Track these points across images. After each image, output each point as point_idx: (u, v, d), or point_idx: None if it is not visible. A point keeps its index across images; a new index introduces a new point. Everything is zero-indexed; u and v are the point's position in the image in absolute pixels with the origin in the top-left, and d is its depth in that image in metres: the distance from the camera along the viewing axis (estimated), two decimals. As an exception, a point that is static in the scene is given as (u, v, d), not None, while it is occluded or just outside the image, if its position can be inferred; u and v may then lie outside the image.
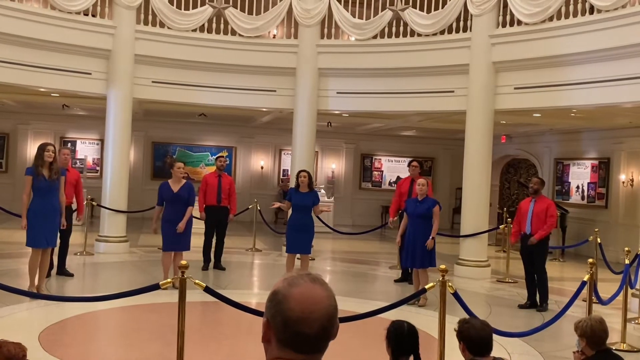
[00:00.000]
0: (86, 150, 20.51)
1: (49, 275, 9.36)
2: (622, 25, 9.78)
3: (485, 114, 11.79)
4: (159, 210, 9.55)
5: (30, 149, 18.93)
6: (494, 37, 11.65)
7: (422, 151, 22.06)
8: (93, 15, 12.56)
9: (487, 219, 12.27)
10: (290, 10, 13.22)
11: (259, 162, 21.63)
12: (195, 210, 11.63)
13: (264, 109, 15.09)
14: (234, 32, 13.26)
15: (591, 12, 10.37)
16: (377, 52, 12.96)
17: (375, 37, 12.97)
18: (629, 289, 7.98)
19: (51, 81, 12.19)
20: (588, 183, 16.60)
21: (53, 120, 19.82)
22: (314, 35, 13.28)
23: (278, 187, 21.21)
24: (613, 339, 7.12)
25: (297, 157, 13.36)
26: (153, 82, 13.01)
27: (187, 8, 13.02)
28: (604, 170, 16.07)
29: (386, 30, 12.86)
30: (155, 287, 5.68)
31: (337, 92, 13.42)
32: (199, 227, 11.66)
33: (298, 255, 9.96)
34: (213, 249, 11.52)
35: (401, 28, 12.78)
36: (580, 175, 16.91)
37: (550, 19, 10.95)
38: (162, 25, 12.92)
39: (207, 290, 5.60)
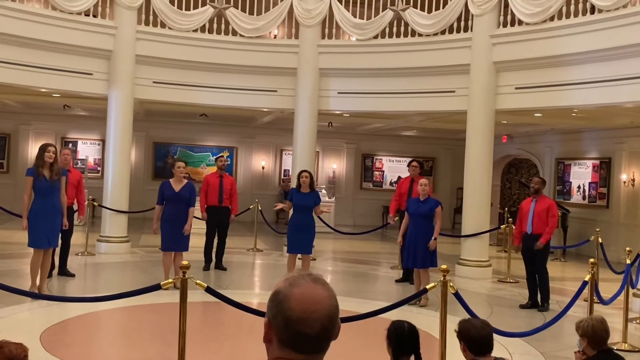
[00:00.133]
0: (87, 150, 20.53)
1: (50, 275, 9.37)
2: (623, 25, 9.78)
3: (486, 114, 11.79)
4: (160, 209, 9.52)
5: (32, 150, 18.94)
6: (494, 37, 11.65)
7: (423, 151, 22.06)
8: (94, 16, 12.57)
9: (488, 219, 12.27)
10: (291, 11, 13.22)
11: (260, 162, 21.64)
12: (197, 210, 11.65)
13: (265, 109, 15.09)
14: (234, 33, 13.26)
15: (592, 12, 10.37)
16: (378, 52, 12.96)
17: (376, 37, 12.97)
18: (630, 288, 7.97)
19: (52, 81, 12.20)
20: (589, 183, 16.60)
21: (54, 121, 19.83)
22: (315, 36, 13.29)
23: (279, 187, 21.22)
24: (614, 339, 7.11)
25: (298, 157, 13.36)
26: (154, 82, 13.01)
27: (188, 8, 13.02)
28: (605, 170, 16.06)
29: (387, 30, 12.85)
30: (157, 287, 5.69)
31: (338, 92, 13.43)
32: (200, 227, 11.68)
33: (299, 256, 9.96)
34: (214, 249, 11.52)
35: (402, 28, 12.78)
36: (582, 175, 16.90)
37: (551, 18, 10.94)
38: (163, 25, 12.93)
39: (209, 290, 5.60)
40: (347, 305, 7.97)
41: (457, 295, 5.88)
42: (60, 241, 9.27)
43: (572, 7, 10.64)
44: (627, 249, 8.33)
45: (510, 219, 12.84)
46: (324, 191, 18.76)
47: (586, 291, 6.93)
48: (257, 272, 12.56)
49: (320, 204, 10.01)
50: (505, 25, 11.65)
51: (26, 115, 19.44)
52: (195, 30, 13.08)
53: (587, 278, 6.78)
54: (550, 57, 10.93)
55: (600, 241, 10.92)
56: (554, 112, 12.86)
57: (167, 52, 12.88)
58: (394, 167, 22.05)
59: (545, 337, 7.25)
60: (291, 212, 10.00)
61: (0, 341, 3.28)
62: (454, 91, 12.31)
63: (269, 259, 13.35)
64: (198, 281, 5.47)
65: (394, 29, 12.81)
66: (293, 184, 11.34)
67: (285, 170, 21.27)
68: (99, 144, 20.17)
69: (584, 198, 16.75)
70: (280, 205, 10.27)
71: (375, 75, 13.03)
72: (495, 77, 11.74)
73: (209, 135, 21.12)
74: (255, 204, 15.01)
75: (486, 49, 11.69)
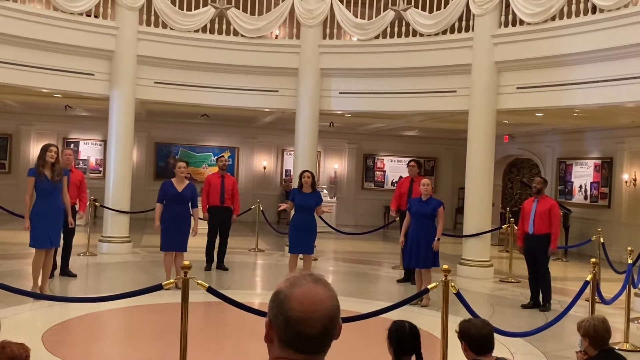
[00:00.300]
0: (89, 150, 20.55)
1: (52, 275, 9.39)
2: (624, 24, 9.78)
3: (488, 114, 11.79)
4: (161, 207, 9.51)
5: (33, 150, 18.96)
6: (496, 36, 11.64)
7: (424, 151, 22.07)
8: (95, 16, 12.57)
9: (490, 219, 12.26)
10: (292, 11, 13.23)
11: (262, 162, 21.64)
12: (199, 210, 11.65)
13: (267, 110, 15.10)
14: (236, 33, 13.27)
15: (593, 12, 10.37)
16: (379, 52, 12.96)
17: (377, 37, 12.97)
18: (631, 288, 7.97)
19: (54, 82, 12.21)
20: (591, 183, 16.59)
21: (56, 121, 19.85)
22: (316, 36, 13.29)
23: (281, 187, 21.23)
24: (616, 338, 7.11)
25: (299, 157, 13.37)
26: (155, 82, 13.03)
27: (189, 9, 13.03)
28: (606, 169, 16.06)
29: (388, 30, 12.86)
30: (158, 287, 5.69)
31: (340, 92, 13.43)
32: (202, 227, 11.68)
33: (301, 256, 9.97)
34: (216, 249, 11.52)
35: (403, 28, 12.77)
36: (583, 174, 16.89)
37: (553, 18, 10.94)
38: (164, 26, 12.94)
39: (210, 290, 5.60)
40: (349, 305, 7.97)
41: (458, 295, 5.88)
42: (62, 241, 9.28)
43: (574, 7, 10.64)
44: (629, 248, 8.32)
45: (511, 219, 12.83)
46: (325, 191, 18.76)
47: (588, 291, 6.92)
48: (259, 273, 12.56)
49: (322, 204, 10.02)
50: (506, 25, 11.65)
51: (28, 115, 19.47)
52: (197, 31, 13.09)
53: (588, 278, 6.78)
54: (552, 57, 10.93)
55: (602, 241, 10.91)
56: (555, 112, 12.86)
57: (168, 52, 12.89)
58: (395, 167, 22.05)
59: (546, 337, 7.25)
60: (293, 212, 10.00)
61: (2, 341, 3.29)
62: (455, 91, 12.31)
63: (270, 259, 13.36)
64: (199, 281, 5.48)
65: (395, 29, 12.81)
66: (294, 184, 11.34)
67: (286, 171, 21.28)
68: (100, 145, 20.19)
69: (585, 198, 16.74)
70: (284, 206, 10.27)
71: (377, 75, 13.03)
72: (496, 77, 11.74)
73: (210, 135, 21.13)
74: (257, 204, 15.02)
75: (487, 48, 11.69)
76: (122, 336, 7.75)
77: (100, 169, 19.90)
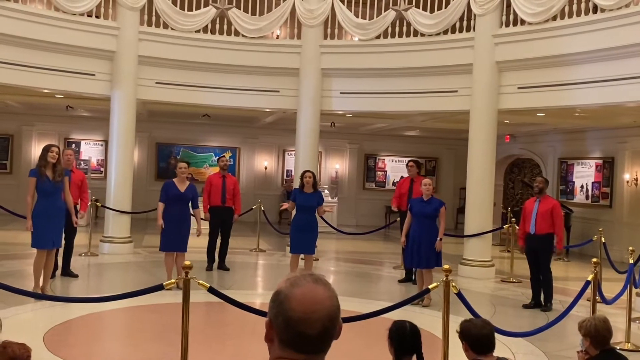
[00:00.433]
0: (90, 151, 20.55)
1: (53, 276, 9.40)
2: (625, 24, 9.78)
3: (489, 114, 11.79)
4: (163, 207, 9.52)
5: (35, 150, 18.98)
6: (497, 36, 11.64)
7: (425, 151, 22.07)
8: (97, 17, 12.58)
9: (491, 219, 12.25)
10: (293, 11, 13.23)
11: (263, 162, 21.65)
12: (200, 210, 11.65)
13: (268, 110, 15.10)
14: (237, 33, 13.27)
15: (594, 12, 10.36)
16: (380, 52, 12.96)
17: (378, 37, 12.97)
18: (633, 288, 7.96)
19: (55, 82, 12.22)
20: (592, 182, 16.58)
21: (57, 122, 19.86)
22: (317, 36, 13.29)
23: (282, 187, 21.23)
24: (617, 338, 7.12)
25: (300, 157, 13.37)
26: (157, 83, 13.03)
27: (190, 9, 13.04)
28: (608, 169, 16.05)
29: (389, 30, 12.85)
30: (159, 287, 5.69)
31: (341, 93, 13.43)
32: (203, 227, 11.68)
33: (302, 256, 9.97)
34: (217, 250, 11.53)
35: (404, 28, 12.77)
36: (585, 174, 16.88)
37: (554, 18, 10.94)
38: (165, 26, 12.95)
39: (211, 290, 5.60)
40: (350, 305, 7.98)
41: (459, 295, 5.87)
42: (63, 242, 9.29)
43: (575, 7, 10.64)
44: (630, 248, 8.31)
45: (513, 219, 12.83)
46: (326, 191, 18.76)
47: (589, 291, 6.91)
48: (260, 273, 12.56)
49: (323, 204, 10.02)
50: (507, 25, 11.64)
51: (29, 116, 19.48)
52: (198, 31, 13.10)
53: (589, 278, 6.77)
54: (553, 56, 10.93)
55: (604, 241, 10.91)
56: (556, 112, 12.85)
57: (169, 52, 12.90)
58: (396, 167, 22.03)
59: (548, 336, 7.24)
60: (294, 212, 10.01)
61: (4, 341, 3.29)
62: (456, 91, 12.31)
63: (271, 259, 13.36)
64: (201, 281, 5.48)
65: (397, 29, 12.80)
66: (296, 184, 11.34)
67: (287, 171, 21.28)
68: (102, 145, 20.21)
69: (587, 198, 16.73)
70: (285, 205, 10.27)
71: (378, 75, 13.03)
72: (497, 77, 11.74)
73: (211, 135, 21.13)
74: (258, 204, 15.02)
75: (489, 48, 11.69)
76: (123, 336, 7.75)
77: (102, 169, 19.90)
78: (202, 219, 11.30)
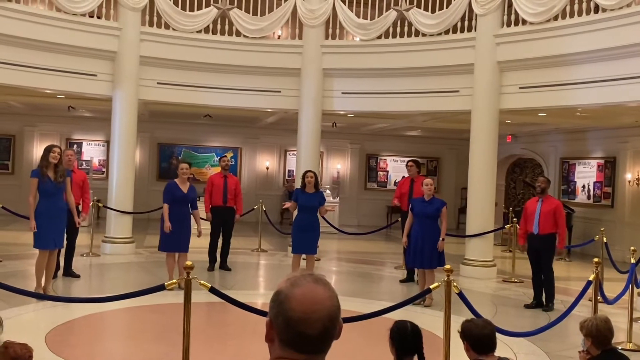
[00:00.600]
0: (92, 151, 20.57)
1: (55, 276, 9.41)
2: (626, 24, 9.78)
3: (491, 114, 11.79)
4: (168, 208, 9.53)
5: (37, 151, 19.00)
6: (498, 36, 11.64)
7: (427, 151, 22.08)
8: (98, 17, 12.59)
9: (493, 219, 12.25)
10: (294, 11, 13.23)
11: (264, 162, 21.65)
12: (202, 210, 11.65)
13: (269, 110, 15.11)
14: (238, 33, 13.28)
15: (596, 11, 10.36)
16: (381, 52, 12.96)
17: (379, 37, 12.97)
18: (634, 288, 7.95)
19: (57, 83, 12.23)
20: (594, 182, 16.57)
21: (59, 122, 19.88)
22: (319, 36, 13.29)
23: (283, 187, 21.24)
24: (619, 338, 7.12)
25: (302, 157, 13.37)
26: (158, 83, 13.04)
27: (191, 9, 13.05)
28: (609, 169, 16.04)
29: (391, 30, 12.86)
30: (161, 287, 5.70)
31: (342, 93, 13.43)
32: (204, 227, 11.69)
33: (304, 256, 9.97)
34: (219, 250, 11.53)
35: (406, 28, 12.77)
36: (586, 174, 16.87)
37: (555, 18, 10.94)
38: (167, 26, 12.96)
39: (213, 290, 5.61)
40: (352, 305, 7.98)
41: (461, 295, 5.87)
42: (65, 242, 9.30)
43: (576, 7, 10.63)
44: (632, 248, 8.31)
45: (514, 219, 12.82)
46: (328, 191, 18.77)
47: (590, 291, 6.92)
48: (262, 273, 12.57)
49: (325, 204, 10.03)
50: (509, 25, 11.64)
51: (31, 116, 19.51)
52: (199, 31, 13.11)
53: (591, 278, 6.78)
54: (554, 56, 10.93)
55: (605, 241, 10.91)
56: (558, 112, 12.85)
57: (171, 53, 12.91)
58: (398, 167, 22.01)
59: (549, 336, 7.24)
60: (296, 212, 10.01)
61: (5, 342, 3.30)
62: (458, 91, 12.31)
63: (273, 260, 13.37)
64: (202, 281, 5.49)
65: (398, 29, 12.81)
66: (297, 184, 11.35)
67: (289, 171, 21.29)
68: (103, 145, 20.22)
69: (588, 197, 16.72)
70: (288, 204, 10.26)
71: (379, 75, 13.03)
72: (499, 77, 11.74)
73: (213, 136, 21.14)
74: (260, 205, 15.02)
75: (490, 48, 11.69)
76: (125, 336, 7.76)
77: (104, 169, 19.92)
78: (203, 219, 11.37)
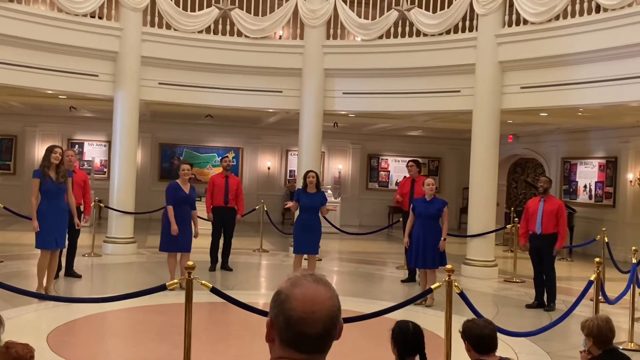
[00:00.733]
0: (94, 151, 20.59)
1: (57, 276, 9.41)
2: (628, 24, 9.78)
3: (492, 114, 11.78)
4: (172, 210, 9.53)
5: (38, 151, 19.01)
6: (500, 36, 11.64)
7: (428, 151, 22.08)
8: (100, 18, 12.61)
9: (495, 219, 12.25)
10: (296, 11, 13.23)
11: (266, 162, 21.66)
12: (203, 210, 11.68)
13: (271, 110, 15.11)
14: (240, 34, 13.29)
15: (597, 11, 10.35)
16: (383, 52, 12.96)
17: (381, 37, 12.97)
18: (636, 288, 7.94)
19: (58, 83, 12.24)
20: (595, 182, 16.56)
21: (61, 122, 19.90)
22: (320, 36, 13.29)
23: (285, 187, 21.24)
24: (620, 338, 7.12)
25: (303, 157, 13.37)
26: (160, 83, 13.06)
27: (193, 10, 13.06)
28: (611, 169, 16.03)
29: (392, 30, 12.86)
30: (162, 288, 5.70)
31: (343, 93, 13.43)
32: (206, 227, 11.70)
33: (305, 256, 9.97)
34: (220, 250, 11.54)
35: (407, 28, 12.77)
36: (588, 174, 16.86)
37: (556, 18, 10.93)
38: (168, 27, 12.96)
39: (214, 290, 5.61)
40: (353, 306, 7.99)
41: (462, 295, 5.87)
42: (67, 242, 9.31)
43: (577, 7, 10.63)
44: (633, 248, 8.29)
45: (516, 219, 12.82)
46: (329, 191, 18.77)
47: (592, 291, 6.92)
48: (263, 273, 12.57)
49: (327, 203, 10.02)
50: (510, 25, 11.64)
51: (33, 117, 19.53)
52: (201, 32, 13.11)
53: (592, 277, 6.77)
54: (556, 56, 10.93)
55: (607, 240, 10.90)
56: (559, 112, 12.84)
57: (172, 53, 12.92)
58: (399, 167, 22.00)
59: (551, 336, 7.24)
60: (297, 212, 10.01)
61: (7, 342, 3.30)
62: (459, 91, 12.31)
63: (274, 260, 13.37)
64: (203, 282, 5.49)
65: (399, 29, 12.81)
66: (299, 184, 11.35)
67: (291, 171, 21.29)
68: (105, 146, 20.23)
69: (590, 197, 16.71)
70: (290, 203, 10.25)
71: (381, 75, 13.04)
72: (500, 77, 11.73)
73: (214, 136, 21.15)
74: (261, 205, 15.02)
75: (491, 48, 11.68)
76: (126, 336, 7.76)
77: (105, 170, 19.94)
78: (204, 219, 11.40)
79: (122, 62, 12.59)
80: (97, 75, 12.54)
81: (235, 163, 20.35)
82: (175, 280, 5.91)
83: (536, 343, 7.19)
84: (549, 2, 10.85)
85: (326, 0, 13.18)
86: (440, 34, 12.41)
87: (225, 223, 11.50)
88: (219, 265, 11.45)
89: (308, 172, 9.93)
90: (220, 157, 17.17)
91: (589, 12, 10.49)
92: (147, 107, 15.22)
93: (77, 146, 20.08)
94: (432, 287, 6.21)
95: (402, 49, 12.79)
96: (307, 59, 13.29)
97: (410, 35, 12.78)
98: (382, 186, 22.34)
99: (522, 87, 11.58)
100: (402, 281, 11.19)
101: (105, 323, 8.00)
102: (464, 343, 3.93)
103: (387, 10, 12.98)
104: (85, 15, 12.19)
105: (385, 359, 4.45)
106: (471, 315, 4.97)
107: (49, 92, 13.09)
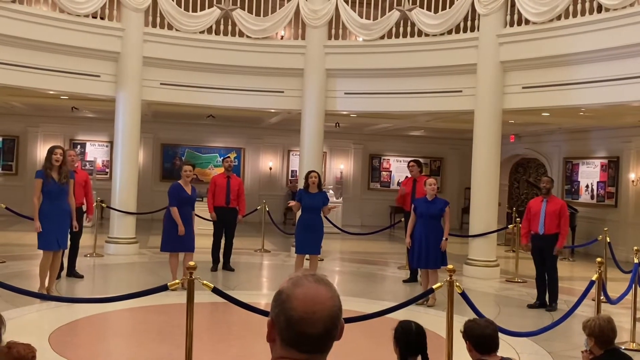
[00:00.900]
0: (96, 152, 20.61)
1: (59, 276, 9.42)
2: (629, 23, 9.77)
3: (494, 114, 11.78)
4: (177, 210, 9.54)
5: (40, 152, 19.04)
6: (501, 36, 11.63)
7: (430, 151, 22.07)
8: (102, 18, 12.62)
9: (496, 219, 12.24)
10: (297, 12, 13.24)
11: (268, 163, 21.67)
12: (205, 210, 11.67)
13: (272, 110, 15.12)
14: (241, 34, 13.29)
15: (599, 11, 10.34)
16: (384, 52, 12.96)
17: (382, 37, 12.97)
18: (638, 288, 7.94)
19: (60, 84, 12.25)
20: (597, 182, 16.55)
21: (62, 123, 19.92)
22: (322, 36, 13.30)
23: (287, 187, 21.24)
24: (622, 338, 7.10)
25: (305, 157, 13.37)
26: (161, 84, 13.06)
27: (195, 10, 13.06)
28: (613, 169, 16.01)
29: (393, 30, 12.86)
30: (164, 288, 5.71)
31: (345, 93, 13.43)
32: (207, 228, 11.71)
33: (307, 256, 9.97)
34: (222, 250, 11.54)
35: (408, 28, 12.78)
36: (590, 174, 16.85)
37: (558, 18, 10.93)
38: (170, 27, 12.97)
39: (215, 291, 5.61)
40: (355, 306, 7.99)
41: (463, 295, 5.87)
42: (69, 243, 9.31)
43: (579, 6, 10.62)
44: (635, 248, 8.28)
45: (518, 219, 12.80)
46: (331, 192, 18.78)
47: (594, 290, 6.91)
48: (265, 273, 12.57)
49: (328, 203, 10.02)
50: (511, 25, 11.64)
51: (35, 117, 19.55)
52: (202, 32, 13.12)
53: (594, 277, 6.77)
54: (557, 56, 10.92)
55: (609, 240, 10.89)
56: (561, 112, 12.83)
57: (174, 53, 12.93)
58: (401, 168, 21.99)
59: (553, 336, 7.24)
60: (299, 212, 10.01)
61: (9, 342, 3.31)
62: (460, 91, 12.30)
63: (276, 260, 13.37)
64: (205, 282, 5.49)
65: (401, 29, 12.81)
66: (300, 184, 11.35)
67: (292, 171, 21.29)
68: (107, 146, 20.25)
69: (592, 197, 16.70)
70: (293, 203, 10.24)
71: (382, 75, 13.03)
72: (502, 77, 11.73)
73: (216, 136, 21.16)
74: (263, 205, 15.03)
75: (493, 48, 11.68)
76: (128, 337, 7.77)
77: (107, 170, 19.96)
78: (207, 219, 11.43)
79: (123, 63, 12.60)
80: (98, 76, 12.55)
81: (237, 163, 20.36)
82: (177, 281, 5.92)
83: (538, 343, 7.19)
84: (550, 2, 10.84)
85: (328, 1, 13.19)
86: (442, 34, 12.41)
87: (226, 223, 11.50)
88: (220, 265, 11.46)
89: (310, 172, 9.93)
90: (222, 158, 17.20)
91: (591, 12, 10.49)
92: (149, 108, 15.23)
93: (79, 146, 20.10)
94: (434, 287, 6.21)
95: (403, 49, 12.79)
96: (309, 59, 13.29)
97: (412, 35, 12.78)
98: (383, 186, 22.34)
99: (523, 87, 11.58)
100: (404, 281, 11.19)
101: (107, 323, 8.00)
102: (466, 343, 3.94)
103: (389, 11, 12.98)
104: (87, 16, 12.20)
105: (386, 359, 4.45)
106: (473, 315, 4.97)
107: (51, 92, 13.11)
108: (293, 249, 11.14)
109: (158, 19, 12.88)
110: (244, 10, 13.24)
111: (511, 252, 14.53)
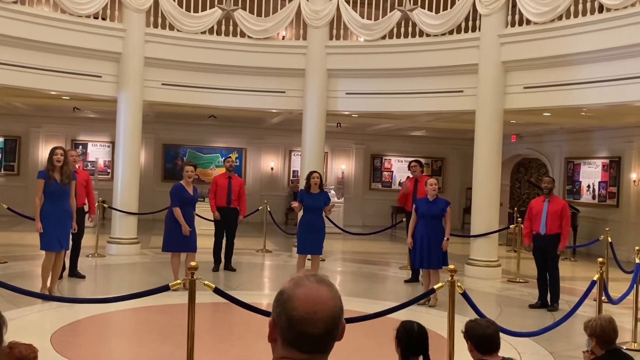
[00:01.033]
0: (97, 152, 20.63)
1: (60, 277, 9.43)
2: (631, 23, 9.77)
3: (495, 114, 11.77)
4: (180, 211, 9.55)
5: (42, 152, 19.07)
6: (502, 36, 11.63)
7: (431, 151, 22.07)
8: (103, 19, 12.63)
9: (498, 219, 12.24)
10: (299, 12, 13.25)
11: (269, 163, 21.67)
12: (206, 211, 11.67)
13: (274, 111, 15.13)
14: (243, 34, 13.30)
15: (600, 11, 10.34)
16: (385, 52, 12.97)
17: (384, 37, 12.98)
18: (639, 288, 7.94)
19: (62, 84, 12.27)
20: (599, 182, 16.54)
21: (64, 123, 19.94)
22: (323, 37, 13.30)
23: (288, 188, 21.25)
24: (624, 338, 7.10)
25: (306, 158, 13.38)
26: (163, 84, 13.07)
27: (196, 10, 13.07)
28: (614, 169, 16.00)
29: (395, 30, 12.86)
30: (166, 288, 5.71)
31: (346, 93, 13.44)
32: (209, 228, 11.72)
33: (309, 256, 9.97)
34: (223, 250, 11.54)
35: (410, 28, 12.78)
36: (591, 174, 16.84)
37: (559, 18, 10.92)
38: (171, 27, 12.98)
39: (217, 291, 5.62)
40: (356, 306, 8.00)
41: (464, 295, 5.87)
42: (70, 243, 9.32)
43: (580, 6, 10.62)
44: (637, 248, 8.27)
45: (519, 219, 12.80)
46: (332, 192, 18.78)
47: (595, 291, 6.91)
48: (267, 273, 12.58)
49: (330, 203, 10.02)
50: (513, 25, 11.64)
51: (36, 117, 19.57)
52: (204, 32, 13.13)
53: (595, 277, 6.76)
54: (559, 56, 10.92)
55: (610, 240, 10.88)
56: (563, 112, 12.83)
57: (175, 54, 12.94)
58: (402, 168, 21.94)
59: (554, 336, 7.24)
60: (301, 213, 10.01)
61: (10, 342, 3.31)
62: (462, 91, 12.30)
63: (278, 260, 13.37)
64: (206, 282, 5.50)
65: (402, 30, 12.81)
66: (302, 184, 11.35)
67: (294, 171, 21.30)
68: (108, 146, 20.26)
69: (593, 197, 16.69)
70: (295, 204, 10.24)
71: (383, 75, 13.04)
72: (503, 77, 11.73)
73: (218, 136, 21.17)
74: (264, 205, 15.03)
75: (494, 48, 11.68)
76: (130, 337, 7.78)
77: (109, 170, 19.97)
78: (210, 219, 11.43)
79: (125, 63, 12.61)
80: (100, 76, 12.57)
81: (238, 163, 20.37)
82: (179, 281, 5.92)
83: (539, 343, 7.19)
84: (551, 2, 10.84)
85: (329, 1, 13.19)
86: (443, 34, 12.41)
87: (227, 224, 11.50)
88: (222, 265, 11.46)
89: (312, 172, 9.93)
90: (223, 158, 17.21)
91: (592, 12, 10.49)
92: (151, 108, 15.23)
93: (80, 147, 20.12)
94: (435, 287, 6.22)
95: (405, 49, 12.79)
96: (310, 59, 13.30)
97: (413, 35, 12.78)
98: (385, 186, 22.34)
99: (525, 87, 11.57)
100: (405, 281, 11.19)
101: (109, 323, 8.01)
102: (467, 343, 3.94)
103: (390, 11, 12.98)
104: (88, 17, 12.21)
105: (388, 359, 4.46)
106: (474, 316, 4.97)
107: (53, 93, 13.13)
108: (295, 249, 11.14)
109: (159, 20, 12.89)
110: (245, 10, 13.25)
111: (513, 252, 14.52)
